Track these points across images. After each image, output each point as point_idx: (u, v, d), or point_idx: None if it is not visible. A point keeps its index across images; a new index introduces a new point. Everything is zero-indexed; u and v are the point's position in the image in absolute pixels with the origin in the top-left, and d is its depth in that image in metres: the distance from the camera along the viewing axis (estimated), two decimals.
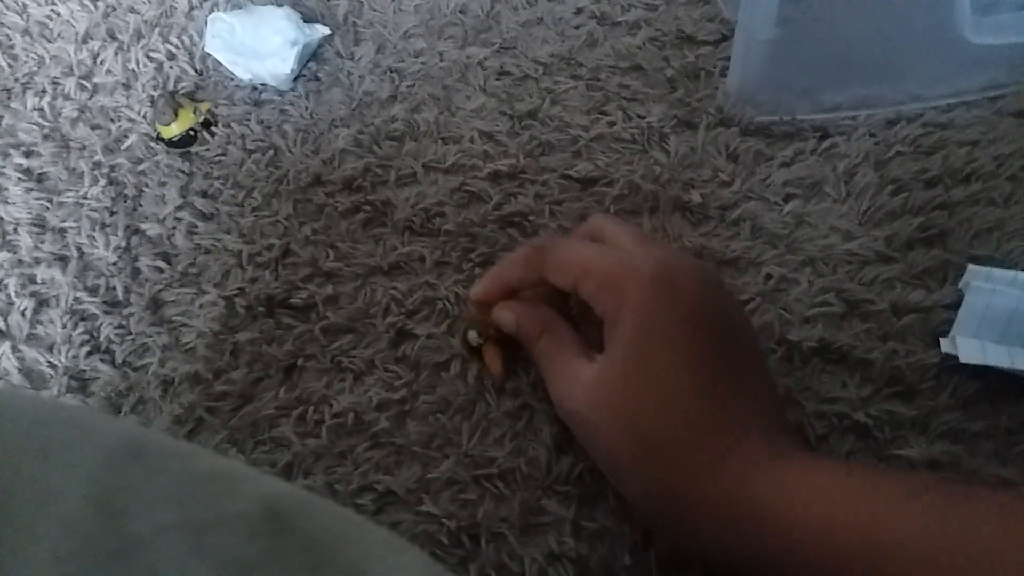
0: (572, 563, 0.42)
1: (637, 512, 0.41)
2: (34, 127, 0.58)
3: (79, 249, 0.53)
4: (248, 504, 0.25)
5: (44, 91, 0.60)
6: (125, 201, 0.55)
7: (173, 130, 0.55)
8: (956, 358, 0.43)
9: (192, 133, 0.56)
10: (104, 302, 0.51)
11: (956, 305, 0.45)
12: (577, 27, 0.60)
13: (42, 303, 0.52)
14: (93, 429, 0.26)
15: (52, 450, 0.24)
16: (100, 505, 0.23)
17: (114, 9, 0.63)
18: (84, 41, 0.62)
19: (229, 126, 0.56)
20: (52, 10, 0.64)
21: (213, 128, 0.56)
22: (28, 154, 0.57)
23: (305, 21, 0.59)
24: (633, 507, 0.40)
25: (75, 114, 0.59)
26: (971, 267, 0.46)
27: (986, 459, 0.42)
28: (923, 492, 0.33)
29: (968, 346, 0.43)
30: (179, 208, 0.54)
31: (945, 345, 0.44)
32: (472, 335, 0.46)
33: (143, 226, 0.53)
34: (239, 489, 0.25)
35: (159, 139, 0.56)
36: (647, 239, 0.42)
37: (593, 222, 0.46)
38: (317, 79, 0.58)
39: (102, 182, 0.55)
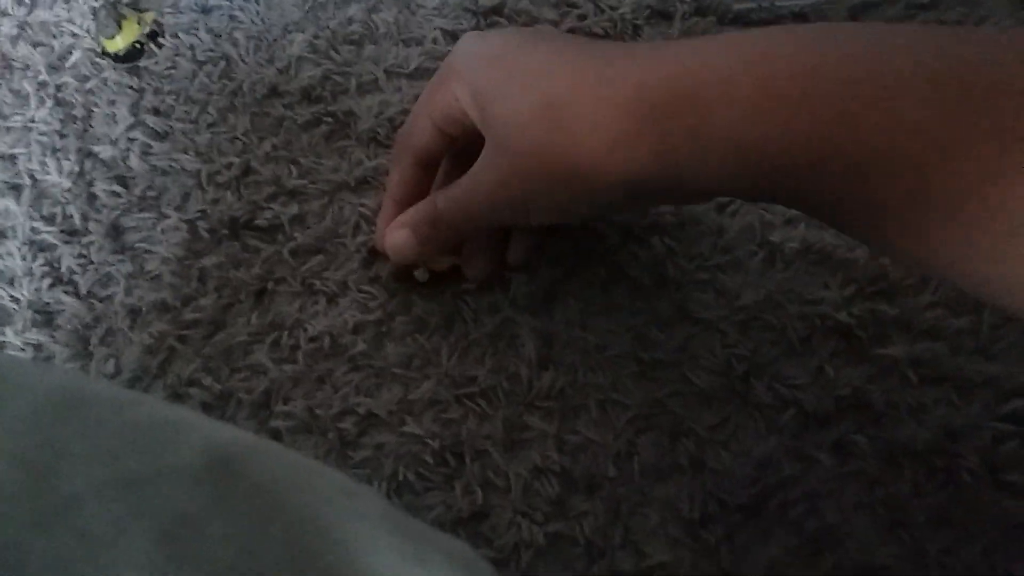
0: (556, 476, 0.42)
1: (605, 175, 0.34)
2: None
3: (31, 176, 0.51)
4: (191, 454, 0.24)
5: None
6: (75, 123, 0.52)
7: (118, 43, 0.52)
8: None
9: (138, 46, 0.52)
10: (62, 231, 0.49)
11: None
12: None
13: None
14: (24, 382, 0.24)
15: None
16: (29, 465, 0.22)
17: None
18: None
19: (177, 36, 0.53)
20: None
21: (160, 39, 0.53)
22: None
23: None
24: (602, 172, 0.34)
25: (15, 32, 0.55)
26: None
27: (969, 355, 0.42)
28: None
29: None
30: (131, 128, 0.51)
31: None
32: (419, 273, 0.45)
33: (95, 149, 0.51)
34: (182, 439, 0.24)
35: (104, 54, 0.53)
36: None
37: None
38: None
39: (49, 103, 0.52)
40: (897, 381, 0.42)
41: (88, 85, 0.53)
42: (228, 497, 0.23)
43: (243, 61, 0.52)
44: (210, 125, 0.51)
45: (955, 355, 0.42)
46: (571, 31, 0.51)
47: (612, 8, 0.51)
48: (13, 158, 0.51)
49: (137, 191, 0.50)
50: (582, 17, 0.51)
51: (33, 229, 0.49)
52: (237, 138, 0.50)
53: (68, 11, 0.55)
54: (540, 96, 0.34)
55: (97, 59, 0.53)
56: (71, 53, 0.54)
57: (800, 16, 0.50)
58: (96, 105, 0.52)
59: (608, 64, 0.34)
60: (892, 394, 0.42)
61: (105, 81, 0.52)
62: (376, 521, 0.24)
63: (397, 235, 0.42)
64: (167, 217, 0.49)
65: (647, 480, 0.42)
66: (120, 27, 0.52)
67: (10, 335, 0.47)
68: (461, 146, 0.42)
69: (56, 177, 0.50)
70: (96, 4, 0.54)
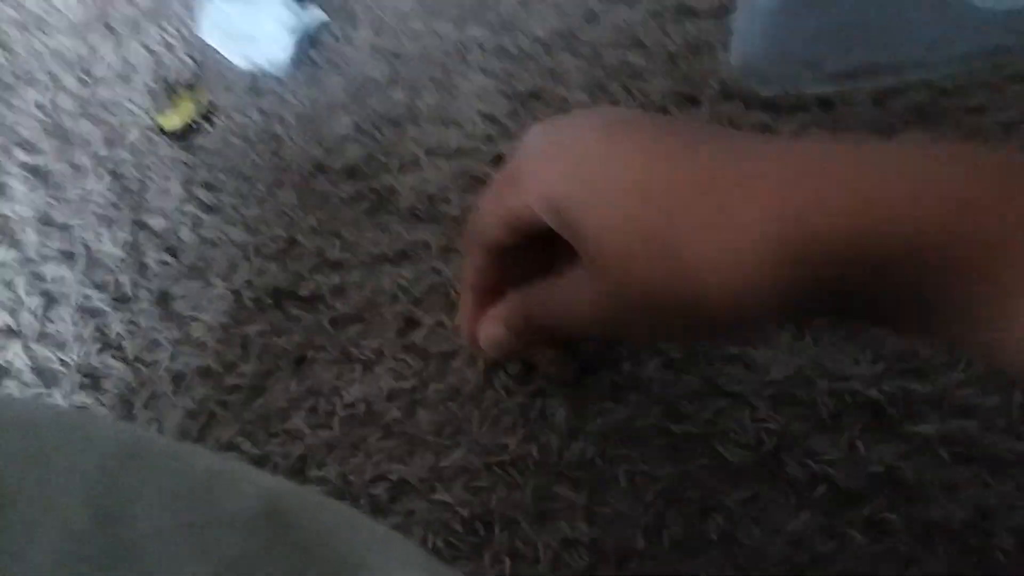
0: (586, 548, 0.42)
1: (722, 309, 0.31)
2: (35, 123, 0.58)
3: (85, 245, 0.53)
4: (246, 503, 0.25)
5: (43, 86, 0.60)
6: (129, 195, 0.55)
7: (174, 122, 0.55)
8: None
9: (193, 124, 0.55)
10: (113, 298, 0.51)
11: None
12: (575, 3, 0.59)
13: (51, 301, 0.52)
14: (92, 434, 0.26)
15: (52, 455, 0.25)
16: (98, 509, 0.24)
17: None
18: (81, 34, 0.61)
19: (229, 116, 0.56)
20: (48, 3, 0.63)
21: (213, 118, 0.56)
22: (30, 150, 0.57)
23: (299, 4, 0.58)
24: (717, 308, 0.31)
25: (75, 109, 0.58)
26: None
27: (1001, 434, 0.42)
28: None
29: None
30: (183, 201, 0.54)
31: None
32: (511, 366, 0.46)
33: (148, 220, 0.53)
34: (237, 488, 0.26)
35: (160, 132, 0.56)
36: None
37: None
38: (315, 64, 0.58)
39: (106, 177, 0.55)
40: (929, 459, 0.42)
41: (143, 161, 0.55)
42: (279, 543, 0.24)
43: (291, 140, 0.55)
44: (258, 200, 0.53)
45: (987, 433, 0.42)
46: None
47: (643, 93, 0.53)
48: (69, 228, 0.54)
49: (186, 261, 0.52)
50: (614, 102, 0.54)
51: (85, 296, 0.52)
52: (284, 212, 0.52)
53: (127, 91, 0.58)
54: (639, 224, 0.31)
55: (153, 136, 0.56)
56: (128, 130, 0.57)
57: (826, 102, 0.51)
58: (150, 179, 0.55)
59: (714, 188, 0.30)
60: (924, 472, 0.42)
61: (160, 157, 0.55)
62: (419, 570, 0.25)
63: (493, 330, 0.41)
64: (214, 286, 0.51)
65: (677, 554, 0.42)
66: (176, 107, 0.55)
67: (58, 397, 0.49)
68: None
69: (110, 247, 0.53)
70: (154, 85, 0.58)
